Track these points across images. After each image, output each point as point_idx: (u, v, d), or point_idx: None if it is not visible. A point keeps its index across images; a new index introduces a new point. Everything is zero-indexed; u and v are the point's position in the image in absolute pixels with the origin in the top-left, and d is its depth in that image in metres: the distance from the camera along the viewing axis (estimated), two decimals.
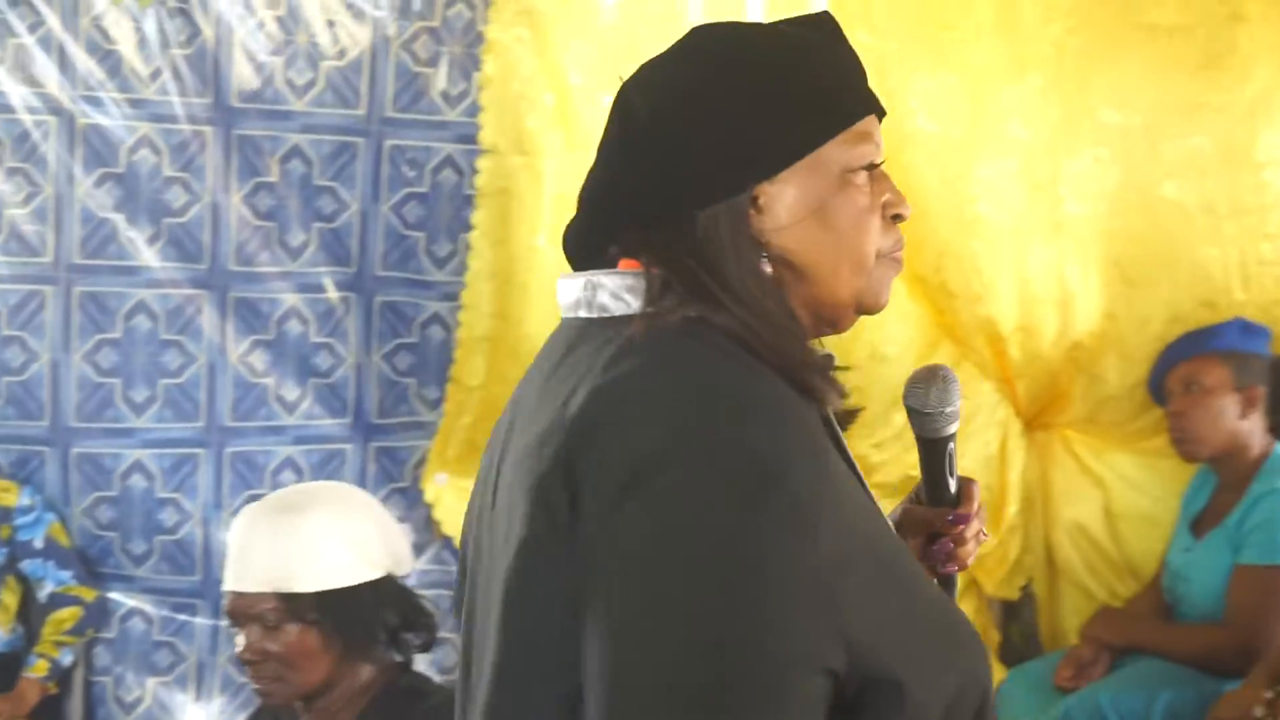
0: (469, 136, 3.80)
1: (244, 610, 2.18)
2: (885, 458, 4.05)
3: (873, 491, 1.42)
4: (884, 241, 1.44)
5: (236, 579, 2.20)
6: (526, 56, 3.73)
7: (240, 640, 2.20)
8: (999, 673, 3.95)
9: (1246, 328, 3.82)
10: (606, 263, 1.46)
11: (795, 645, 1.26)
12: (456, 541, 3.81)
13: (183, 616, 3.84)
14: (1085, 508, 4.26)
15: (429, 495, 3.84)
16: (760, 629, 1.25)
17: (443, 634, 2.58)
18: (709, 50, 1.46)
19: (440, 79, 3.84)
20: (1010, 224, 3.85)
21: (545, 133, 3.76)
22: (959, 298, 3.85)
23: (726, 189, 1.40)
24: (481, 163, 3.77)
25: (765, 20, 1.65)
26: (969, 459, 3.93)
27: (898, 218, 1.45)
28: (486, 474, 1.54)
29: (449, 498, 3.80)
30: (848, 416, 1.52)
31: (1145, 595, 3.98)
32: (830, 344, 1.52)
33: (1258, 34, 3.78)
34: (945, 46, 3.78)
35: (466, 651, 1.52)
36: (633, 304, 1.41)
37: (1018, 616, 4.36)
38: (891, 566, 1.35)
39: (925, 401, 1.64)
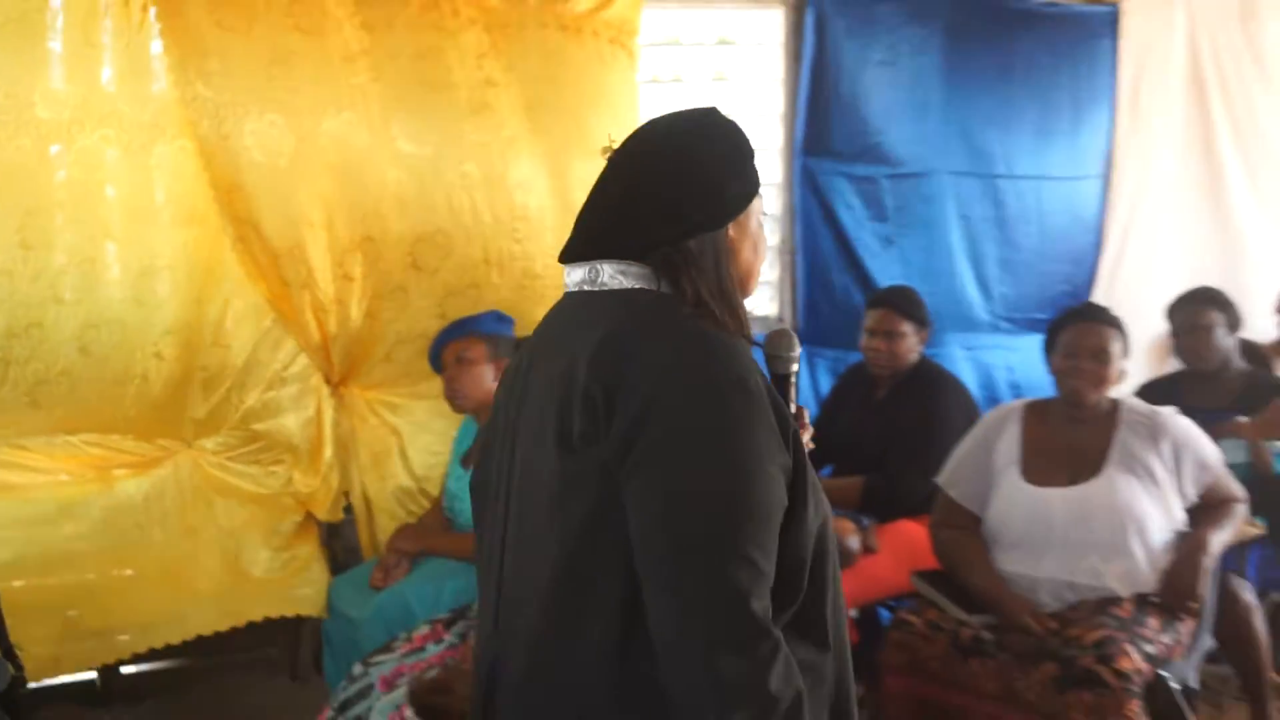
0: None
1: None
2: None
3: None
4: None
5: None
6: None
7: None
8: (329, 578, 4.40)
9: (499, 317, 4.35)
10: (602, 257, 1.97)
11: (774, 481, 1.80)
12: None
13: None
14: (384, 448, 4.67)
15: None
16: (757, 471, 1.77)
17: None
18: (707, 128, 2.00)
19: None
20: (327, 225, 4.24)
21: None
22: (292, 285, 4.20)
23: (715, 223, 1.95)
24: None
25: None
26: (292, 424, 4.40)
27: None
28: (509, 396, 2.04)
29: None
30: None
31: (432, 512, 4.47)
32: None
33: (504, 96, 4.49)
34: (272, 95, 4.10)
35: (491, 529, 2.02)
36: (625, 282, 1.93)
37: (340, 535, 4.70)
38: (796, 435, 1.91)
39: (779, 348, 2.25)
